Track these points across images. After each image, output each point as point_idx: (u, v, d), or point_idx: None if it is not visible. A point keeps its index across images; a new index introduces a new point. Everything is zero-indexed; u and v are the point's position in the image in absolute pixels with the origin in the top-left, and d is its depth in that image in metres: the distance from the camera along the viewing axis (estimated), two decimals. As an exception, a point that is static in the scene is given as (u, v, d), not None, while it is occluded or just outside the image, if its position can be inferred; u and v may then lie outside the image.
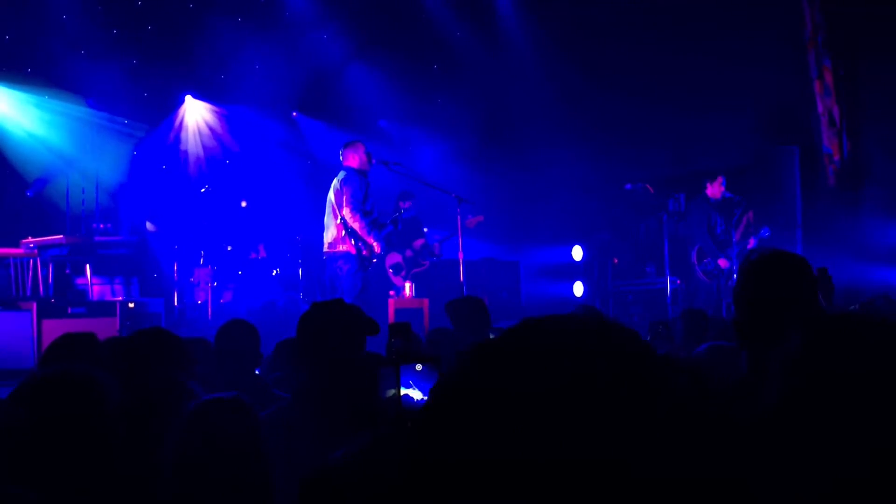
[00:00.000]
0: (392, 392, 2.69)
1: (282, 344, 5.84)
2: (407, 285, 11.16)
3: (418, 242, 13.10)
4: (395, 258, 12.93)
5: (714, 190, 12.11)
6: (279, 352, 5.83)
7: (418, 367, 2.74)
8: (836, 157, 13.13)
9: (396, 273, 12.88)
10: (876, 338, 1.42)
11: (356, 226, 10.12)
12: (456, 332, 6.62)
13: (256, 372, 5.55)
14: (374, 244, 10.22)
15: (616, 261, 14.48)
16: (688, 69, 13.32)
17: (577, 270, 14.64)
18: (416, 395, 2.85)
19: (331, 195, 10.35)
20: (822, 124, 13.17)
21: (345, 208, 10.15)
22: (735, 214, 12.10)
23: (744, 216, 12.18)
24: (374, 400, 2.73)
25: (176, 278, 13.03)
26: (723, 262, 11.98)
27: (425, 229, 13.39)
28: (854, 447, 1.34)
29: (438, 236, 13.33)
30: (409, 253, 13.01)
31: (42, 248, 10.92)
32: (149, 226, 13.73)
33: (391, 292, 11.36)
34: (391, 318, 10.25)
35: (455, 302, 7.26)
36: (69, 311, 10.10)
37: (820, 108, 13.12)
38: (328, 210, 10.37)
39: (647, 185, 12.17)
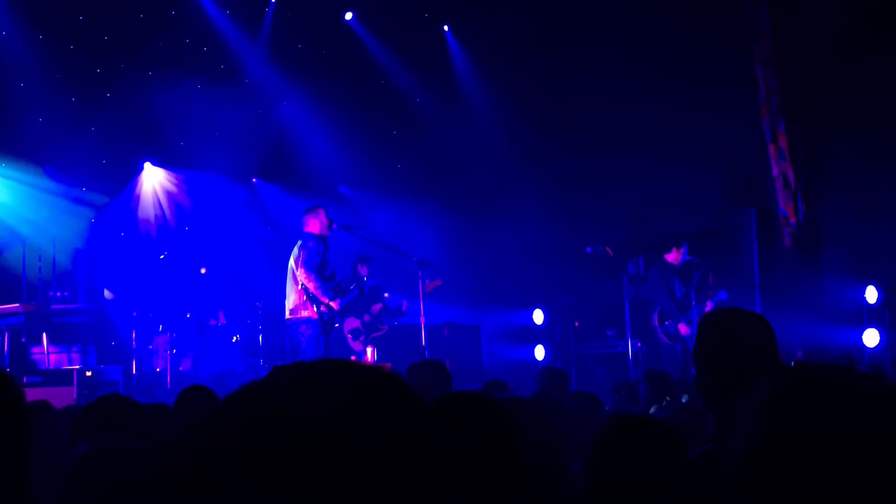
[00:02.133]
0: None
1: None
2: (368, 350, 11.11)
3: (377, 307, 13.06)
4: (353, 323, 12.87)
5: (675, 256, 12.22)
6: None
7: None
8: (792, 220, 13.27)
9: (355, 338, 12.80)
10: (844, 385, 1.42)
11: (310, 286, 10.08)
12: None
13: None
14: (332, 303, 10.16)
15: (577, 324, 14.49)
16: (645, 133, 13.49)
17: (538, 334, 14.62)
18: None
19: (291, 262, 10.34)
20: (777, 187, 13.33)
21: (300, 269, 10.12)
22: (695, 277, 12.19)
23: (703, 278, 12.28)
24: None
25: (134, 346, 12.85)
26: (683, 329, 12.04)
27: (386, 294, 13.36)
28: (827, 495, 1.33)
29: (398, 300, 13.30)
30: (367, 318, 12.96)
31: (-3, 316, 10.76)
32: (107, 293, 13.58)
33: (352, 357, 11.29)
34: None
35: (416, 366, 7.22)
36: (25, 380, 9.93)
37: (775, 172, 13.29)
38: (289, 276, 10.34)
39: (607, 249, 12.22)
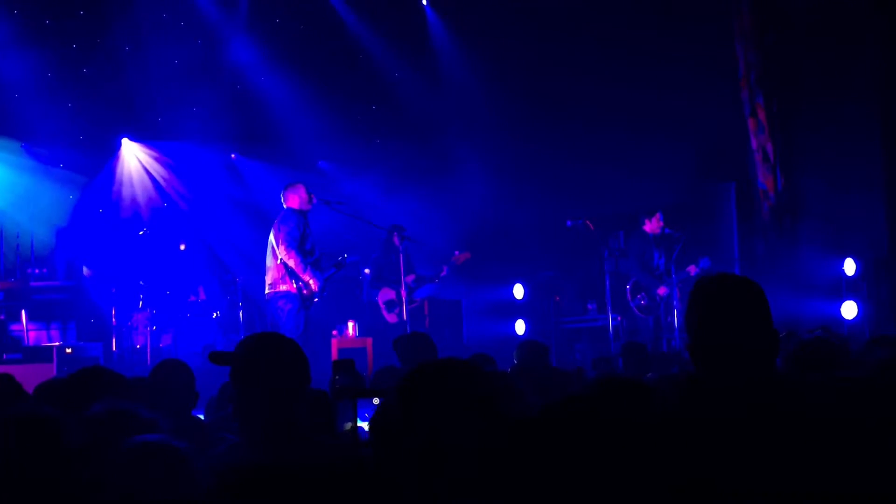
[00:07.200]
0: (349, 425, 2.67)
1: (227, 385, 5.73)
2: (350, 324, 11.10)
3: (410, 278, 12.98)
4: (388, 294, 12.82)
5: (652, 225, 12.24)
6: (224, 393, 5.73)
7: (375, 400, 2.73)
8: (771, 193, 13.33)
9: (390, 310, 12.74)
10: None
11: (291, 262, 10.08)
12: (403, 370, 6.57)
13: (198, 415, 5.46)
14: (311, 281, 10.14)
15: (558, 298, 14.51)
16: (625, 107, 13.48)
17: (519, 308, 14.63)
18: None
19: (271, 237, 10.33)
20: (756, 161, 13.37)
21: (280, 245, 10.11)
22: (674, 250, 12.22)
23: (683, 251, 12.31)
24: (332, 433, 2.71)
25: (114, 322, 12.81)
26: (662, 290, 12.12)
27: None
28: None
29: (437, 267, 13.21)
30: (403, 290, 12.95)
31: (-24, 294, 10.71)
32: (85, 270, 13.52)
33: (334, 332, 11.28)
34: (334, 357, 10.17)
35: (402, 339, 7.24)
36: (4, 357, 9.90)
37: (754, 145, 13.33)
38: (269, 251, 10.33)
39: (588, 222, 12.22)
